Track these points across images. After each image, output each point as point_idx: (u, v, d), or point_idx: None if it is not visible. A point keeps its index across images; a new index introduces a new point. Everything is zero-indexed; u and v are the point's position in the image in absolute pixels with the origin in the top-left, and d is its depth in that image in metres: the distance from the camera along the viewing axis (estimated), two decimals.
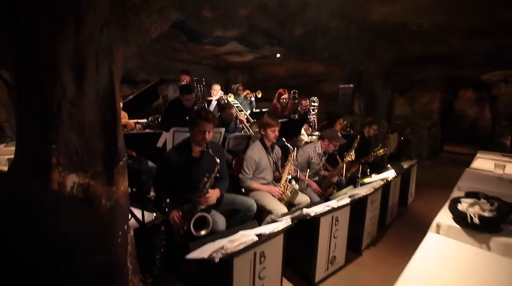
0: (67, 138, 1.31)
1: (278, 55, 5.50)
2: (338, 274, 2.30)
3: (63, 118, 1.28)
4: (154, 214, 2.76)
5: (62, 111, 1.28)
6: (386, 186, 2.97)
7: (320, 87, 8.31)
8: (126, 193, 1.51)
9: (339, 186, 3.16)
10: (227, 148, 3.06)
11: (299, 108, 4.61)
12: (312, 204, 2.33)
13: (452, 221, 1.62)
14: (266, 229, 1.64)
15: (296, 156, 2.81)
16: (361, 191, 2.47)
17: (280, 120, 2.72)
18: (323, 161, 3.23)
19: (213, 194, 1.94)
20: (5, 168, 2.59)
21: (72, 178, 1.35)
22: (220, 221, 1.95)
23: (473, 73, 5.91)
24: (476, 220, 1.44)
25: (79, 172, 1.36)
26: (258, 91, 5.16)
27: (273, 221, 2.21)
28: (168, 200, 1.92)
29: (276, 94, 4.22)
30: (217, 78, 6.84)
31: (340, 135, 3.41)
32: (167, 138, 2.71)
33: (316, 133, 4.58)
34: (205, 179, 1.81)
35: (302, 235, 2.07)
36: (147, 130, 3.33)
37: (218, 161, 1.81)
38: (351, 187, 3.00)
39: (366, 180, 3.12)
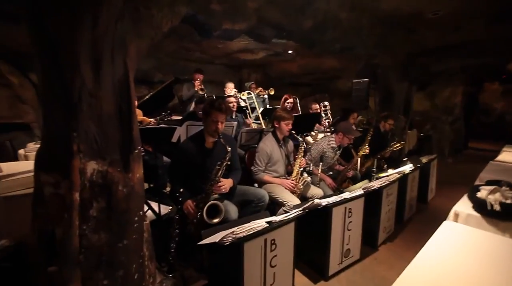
0: (87, 127, 1.39)
1: (290, 51, 5.48)
2: (352, 268, 2.26)
3: (83, 107, 1.36)
4: (170, 208, 2.85)
5: (82, 101, 1.36)
6: (403, 179, 2.88)
7: (334, 84, 8.19)
8: (141, 180, 1.57)
9: (354, 180, 3.10)
10: (240, 143, 3.09)
11: (310, 111, 4.60)
12: (325, 196, 2.31)
13: (471, 209, 1.54)
14: (277, 218, 1.66)
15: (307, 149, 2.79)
16: (375, 184, 2.41)
17: (294, 115, 2.72)
18: (337, 155, 3.18)
19: (226, 183, 1.97)
20: None
21: (92, 165, 1.43)
22: (232, 210, 1.98)
23: (497, 62, 5.56)
24: (496, 207, 1.36)
25: (98, 159, 1.44)
26: (271, 89, 5.18)
27: (286, 213, 2.21)
28: (181, 190, 1.97)
29: (282, 99, 4.36)
30: (231, 77, 6.90)
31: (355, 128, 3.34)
32: (181, 133, 2.79)
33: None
34: (217, 167, 1.85)
35: (314, 227, 2.06)
36: (162, 125, 3.44)
37: (229, 149, 1.84)
38: (366, 181, 2.93)
39: (382, 175, 3.04)
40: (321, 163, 2.89)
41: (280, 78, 7.63)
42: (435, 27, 3.72)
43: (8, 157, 3.31)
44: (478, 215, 1.48)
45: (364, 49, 4.31)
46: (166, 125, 3.05)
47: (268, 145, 2.56)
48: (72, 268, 1.36)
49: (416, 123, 6.71)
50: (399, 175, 2.74)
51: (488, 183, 1.67)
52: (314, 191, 2.58)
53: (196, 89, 4.51)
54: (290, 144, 2.82)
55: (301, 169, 2.59)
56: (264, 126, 3.99)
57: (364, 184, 2.80)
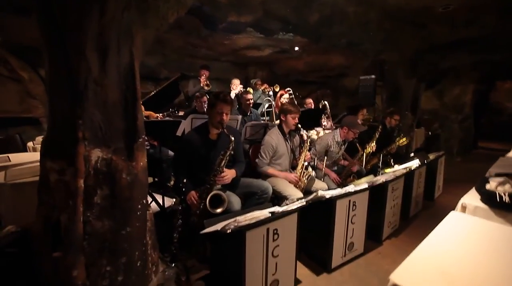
0: (92, 115, 1.41)
1: (296, 48, 5.45)
2: (356, 261, 2.24)
3: (88, 95, 1.38)
4: (174, 200, 2.87)
5: (88, 89, 1.38)
6: (409, 175, 2.84)
7: (341, 82, 8.12)
8: (145, 168, 1.59)
9: (360, 175, 3.06)
10: (244, 137, 3.09)
11: (305, 106, 4.58)
12: (329, 190, 2.29)
13: (479, 201, 1.51)
14: (280, 208, 1.65)
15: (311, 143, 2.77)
16: (381, 178, 2.38)
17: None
18: (342, 150, 3.15)
19: (229, 174, 1.98)
20: None
21: (97, 153, 1.45)
22: (235, 201, 1.98)
23: (510, 59, 5.41)
24: (506, 198, 1.33)
25: (102, 147, 1.46)
26: (276, 85, 5.17)
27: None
28: (185, 180, 1.98)
29: (278, 95, 4.44)
30: (237, 75, 6.92)
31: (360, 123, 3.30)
32: (186, 126, 2.80)
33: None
34: (221, 156, 1.85)
35: (318, 219, 2.05)
36: (167, 118, 3.46)
37: (232, 138, 1.84)
38: (371, 176, 2.89)
39: (388, 170, 3.00)
40: (325, 158, 2.86)
41: (286, 75, 7.60)
42: (445, 22, 3.64)
43: (17, 149, 3.39)
44: (486, 207, 1.44)
45: (371, 45, 4.24)
46: (171, 119, 3.08)
47: (273, 137, 2.55)
48: (76, 254, 1.38)
49: (424, 121, 6.59)
50: (405, 171, 2.70)
51: (498, 175, 1.63)
52: (319, 185, 2.56)
53: (201, 85, 4.53)
54: (297, 138, 2.80)
55: (306, 163, 2.57)
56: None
57: (370, 178, 2.77)
